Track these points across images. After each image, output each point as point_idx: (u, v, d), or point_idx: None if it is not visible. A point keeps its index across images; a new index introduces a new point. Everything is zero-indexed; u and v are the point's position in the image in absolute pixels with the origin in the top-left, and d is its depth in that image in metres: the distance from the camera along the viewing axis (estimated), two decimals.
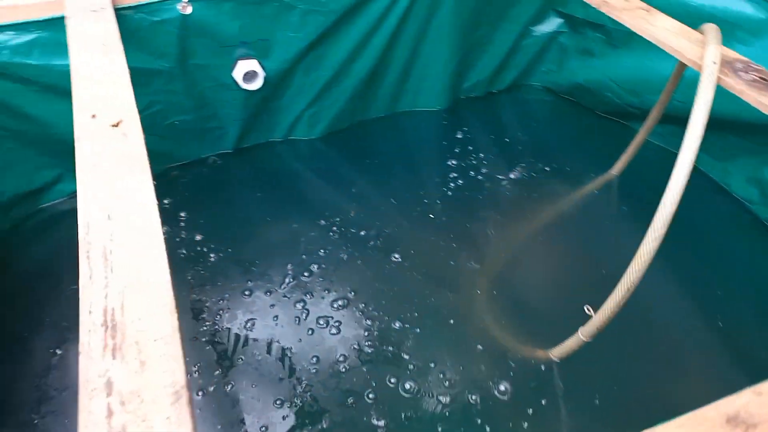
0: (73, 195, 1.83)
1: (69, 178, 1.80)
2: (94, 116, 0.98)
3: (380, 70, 2.05)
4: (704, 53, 1.14)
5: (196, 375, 1.35)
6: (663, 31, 1.28)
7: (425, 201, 1.84)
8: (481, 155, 2.03)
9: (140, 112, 1.69)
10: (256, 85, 1.79)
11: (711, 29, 1.20)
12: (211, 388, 1.32)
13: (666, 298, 1.56)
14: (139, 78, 1.63)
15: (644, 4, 1.40)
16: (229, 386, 1.32)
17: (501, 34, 2.18)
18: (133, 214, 0.80)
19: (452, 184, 1.90)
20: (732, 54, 1.19)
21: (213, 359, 1.38)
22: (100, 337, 0.64)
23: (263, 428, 1.25)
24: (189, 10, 1.59)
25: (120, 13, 1.50)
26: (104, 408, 0.57)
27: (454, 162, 2.00)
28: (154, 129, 1.80)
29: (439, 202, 1.83)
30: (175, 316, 0.66)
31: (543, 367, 1.37)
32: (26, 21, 1.46)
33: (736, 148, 1.81)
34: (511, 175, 1.94)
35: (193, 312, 1.49)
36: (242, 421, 1.26)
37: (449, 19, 2.00)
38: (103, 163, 0.89)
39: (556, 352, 1.38)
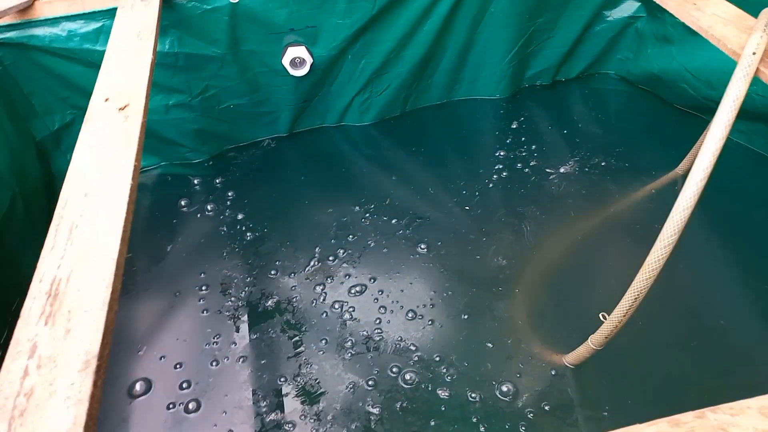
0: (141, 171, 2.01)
1: None
2: (107, 99, 1.07)
3: (433, 58, 2.02)
4: (746, 42, 1.00)
5: (214, 345, 1.44)
6: (711, 17, 1.14)
7: (464, 192, 1.79)
8: (533, 147, 1.93)
9: (197, 96, 1.84)
10: (304, 71, 1.84)
11: (764, 15, 1.05)
12: (226, 360, 1.40)
13: (722, 304, 1.41)
14: (195, 63, 1.76)
15: None
16: (241, 360, 1.40)
17: (568, 20, 2.05)
18: (109, 193, 0.86)
19: (495, 177, 1.84)
20: None
21: (231, 332, 1.46)
22: (40, 303, 0.70)
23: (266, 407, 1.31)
24: None
25: (173, 2, 1.61)
26: (22, 369, 0.63)
27: (502, 153, 1.93)
28: (212, 112, 1.91)
29: (478, 194, 1.78)
30: (110, 290, 0.71)
31: (554, 372, 1.30)
32: (94, 11, 1.61)
33: None
34: (562, 170, 1.83)
35: (221, 286, 1.58)
36: (251, 392, 1.33)
37: (507, 4, 1.91)
38: (101, 144, 0.96)
39: (570, 358, 1.30)
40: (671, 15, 1.95)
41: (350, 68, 1.95)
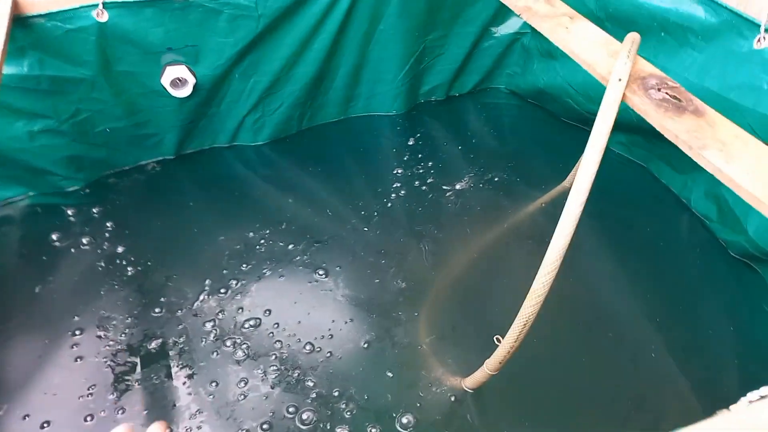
0: (3, 202, 1.80)
1: (0, 186, 1.76)
2: None
3: (327, 75, 1.97)
4: (612, 68, 1.04)
5: (89, 397, 1.30)
6: (581, 41, 1.17)
7: (363, 213, 1.75)
8: (430, 163, 1.94)
9: (67, 120, 1.67)
10: (187, 91, 1.73)
11: (627, 40, 1.09)
12: (102, 414, 1.27)
13: (611, 315, 1.46)
14: (61, 86, 1.60)
15: (569, 10, 1.28)
16: (119, 412, 1.27)
17: (457, 37, 2.08)
18: None
19: (393, 195, 1.82)
20: (649, 69, 1.08)
21: (108, 381, 1.32)
22: None
23: None
24: (105, 17, 1.52)
25: (30, 21, 1.45)
26: None
27: (399, 171, 1.91)
28: (85, 137, 1.75)
29: (376, 214, 1.75)
30: None
31: (453, 398, 1.29)
32: None
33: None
34: (458, 186, 1.84)
35: (98, 329, 1.43)
36: None
37: (396, 21, 1.90)
38: None
39: (468, 383, 1.29)
40: None
41: (238, 87, 1.85)
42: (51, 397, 1.29)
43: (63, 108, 1.65)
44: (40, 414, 1.26)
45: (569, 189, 1.76)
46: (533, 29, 2.02)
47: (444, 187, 1.84)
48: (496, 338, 1.20)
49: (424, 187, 1.84)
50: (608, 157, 1.74)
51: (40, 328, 1.44)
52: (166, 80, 1.69)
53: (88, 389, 1.31)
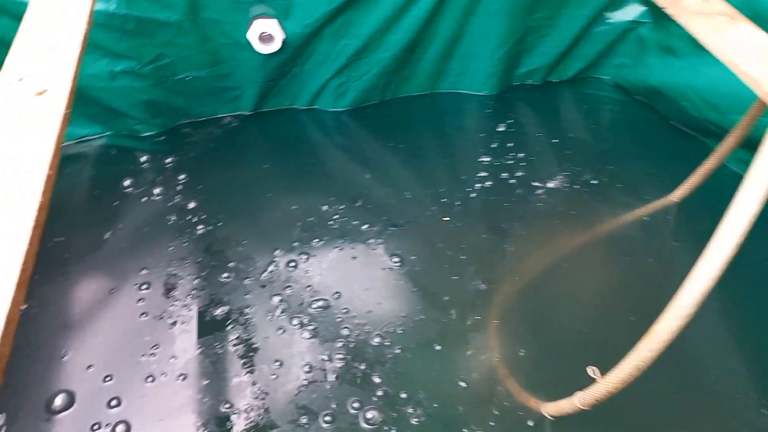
0: (80, 139, 1.76)
1: (78, 122, 1.72)
2: (21, 80, 0.85)
3: (419, 45, 1.83)
4: None
5: (152, 357, 1.25)
6: (743, 49, 0.99)
7: (443, 200, 1.63)
8: (521, 155, 1.79)
9: (148, 64, 1.60)
10: (273, 47, 1.62)
11: None
12: (163, 378, 1.22)
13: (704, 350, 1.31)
14: (146, 28, 1.52)
15: (730, 8, 1.10)
16: (181, 378, 1.22)
17: (567, 18, 1.89)
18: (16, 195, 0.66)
19: (478, 185, 1.68)
20: None
21: (172, 344, 1.27)
22: None
23: None
24: None
25: None
26: None
27: (486, 159, 1.77)
28: (165, 83, 1.68)
29: (459, 203, 1.63)
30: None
31: (531, 423, 1.18)
32: None
33: None
34: (550, 184, 1.70)
35: (165, 287, 1.38)
36: (190, 418, 1.16)
37: None
38: (7, 142, 0.75)
39: (550, 409, 1.18)
40: (679, 25, 1.83)
41: (326, 48, 1.74)
42: (115, 351, 1.25)
43: (146, 51, 1.58)
44: (103, 367, 1.22)
45: (676, 204, 1.60)
46: (656, 20, 1.82)
47: (534, 184, 1.69)
48: (593, 370, 1.07)
49: (512, 181, 1.70)
50: (722, 175, 1.57)
51: (107, 276, 1.41)
52: (253, 34, 1.59)
53: (151, 349, 1.26)
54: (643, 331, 0.90)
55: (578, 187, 1.68)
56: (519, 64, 2.02)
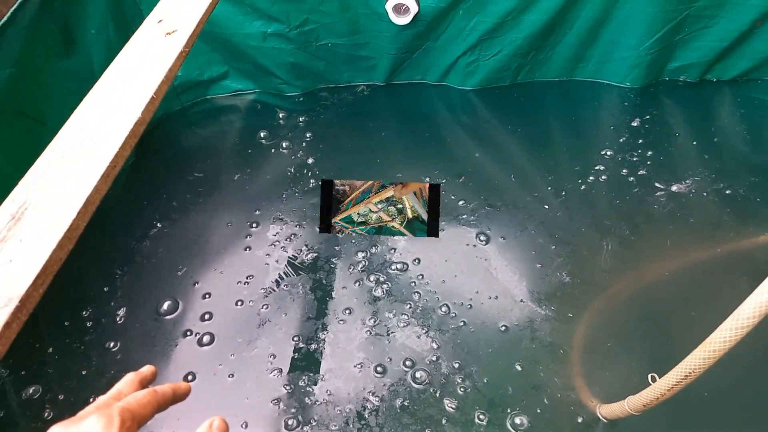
0: (235, 93, 2.01)
1: (234, 77, 1.97)
2: (160, 21, 1.02)
3: (558, 28, 1.76)
4: None
5: (245, 285, 1.42)
6: None
7: (549, 188, 1.58)
8: (649, 153, 1.65)
9: (296, 28, 1.77)
10: (407, 19, 1.69)
11: None
12: (250, 303, 1.38)
13: None
14: None
15: None
16: (263, 308, 1.37)
17: (736, 8, 1.67)
18: (107, 127, 0.81)
19: (592, 178, 1.60)
20: None
21: (264, 277, 1.43)
22: (3, 224, 0.68)
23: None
24: None
25: None
26: None
27: (609, 152, 1.67)
28: (309, 47, 1.84)
29: (564, 193, 1.57)
30: (64, 230, 0.67)
31: (581, 419, 1.13)
32: None
33: None
34: (674, 187, 1.55)
35: (270, 228, 1.55)
36: (262, 342, 1.31)
37: None
38: (131, 69, 0.92)
39: (604, 411, 1.12)
40: None
41: (460, 24, 1.76)
42: (218, 274, 1.45)
43: (294, 16, 1.74)
44: (205, 285, 1.42)
45: None
46: None
47: (656, 184, 1.56)
48: (651, 376, 1.00)
49: (631, 178, 1.59)
50: None
51: (228, 211, 1.61)
52: (390, 4, 1.67)
53: (246, 278, 1.43)
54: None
55: (706, 195, 1.51)
56: (671, 58, 1.84)
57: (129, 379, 0.51)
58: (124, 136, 0.78)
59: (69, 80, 1.46)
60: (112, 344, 1.30)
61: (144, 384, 0.52)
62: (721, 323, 0.78)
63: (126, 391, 0.49)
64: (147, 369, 0.54)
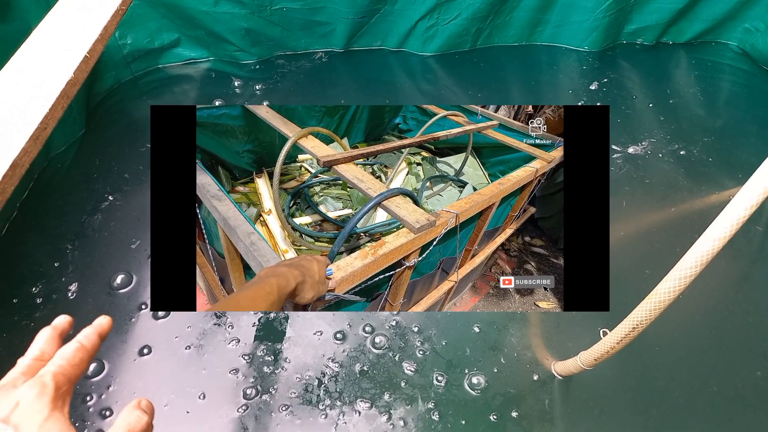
0: (188, 61, 1.94)
1: (187, 44, 1.90)
2: None
3: None
4: None
5: None
6: None
7: None
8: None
9: None
10: None
11: None
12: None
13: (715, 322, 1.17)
14: None
15: None
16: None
17: None
18: (37, 88, 0.77)
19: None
20: None
21: None
22: None
23: None
24: None
25: None
26: None
27: None
28: (263, 12, 1.79)
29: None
30: None
31: (536, 377, 1.15)
32: None
33: None
34: (630, 149, 1.56)
35: None
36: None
37: None
38: (63, 26, 0.86)
39: (559, 368, 1.14)
40: None
41: None
42: None
43: None
44: None
45: None
46: None
47: (614, 146, 1.57)
48: (602, 331, 1.02)
49: None
50: None
51: None
52: None
53: None
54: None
55: (662, 156, 1.53)
56: (628, 20, 1.85)
57: (47, 335, 0.46)
58: (54, 97, 0.74)
59: (3, 47, 1.38)
60: None
61: (63, 337, 0.48)
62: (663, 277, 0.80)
63: (48, 350, 0.45)
64: (62, 320, 0.49)
